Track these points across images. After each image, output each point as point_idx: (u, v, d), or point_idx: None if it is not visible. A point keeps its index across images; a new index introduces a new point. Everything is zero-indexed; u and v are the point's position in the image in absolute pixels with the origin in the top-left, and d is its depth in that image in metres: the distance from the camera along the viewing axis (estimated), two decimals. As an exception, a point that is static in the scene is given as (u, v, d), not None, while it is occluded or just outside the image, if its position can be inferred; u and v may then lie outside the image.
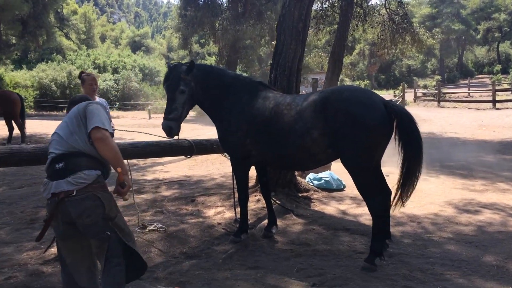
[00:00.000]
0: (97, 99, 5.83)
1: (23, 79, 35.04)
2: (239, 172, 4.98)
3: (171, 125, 4.57)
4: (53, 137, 2.96)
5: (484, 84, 41.01)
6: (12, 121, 13.14)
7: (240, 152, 4.80)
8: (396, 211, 4.43)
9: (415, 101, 30.72)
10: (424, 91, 35.41)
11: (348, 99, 4.13)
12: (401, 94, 27.44)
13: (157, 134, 5.13)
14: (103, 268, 2.82)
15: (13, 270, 4.09)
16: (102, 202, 2.80)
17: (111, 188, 2.99)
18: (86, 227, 2.75)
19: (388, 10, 16.28)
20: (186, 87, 4.62)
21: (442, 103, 27.49)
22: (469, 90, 34.99)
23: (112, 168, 2.97)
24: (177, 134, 4.69)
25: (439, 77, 50.52)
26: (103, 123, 2.83)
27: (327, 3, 16.04)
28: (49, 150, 2.91)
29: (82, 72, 5.73)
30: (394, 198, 4.34)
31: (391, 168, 8.70)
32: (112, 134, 3.10)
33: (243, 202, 5.02)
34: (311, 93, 4.59)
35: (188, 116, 4.92)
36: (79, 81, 5.57)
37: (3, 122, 13.64)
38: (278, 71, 6.60)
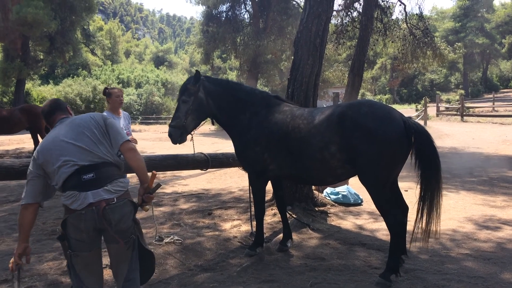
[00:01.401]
0: (121, 112, 5.94)
1: (49, 93, 36.06)
2: (257, 187, 4.99)
3: (171, 131, 4.70)
4: (68, 147, 2.82)
5: (509, 99, 40.27)
6: (38, 135, 13.51)
7: (258, 167, 4.81)
8: (411, 227, 4.38)
9: (437, 115, 30.34)
10: (447, 105, 34.94)
11: (366, 114, 4.08)
12: (423, 108, 27.14)
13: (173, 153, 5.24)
14: (125, 275, 2.89)
15: (33, 280, 4.21)
16: (135, 207, 2.92)
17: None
18: (119, 232, 2.78)
19: (409, 24, 16.19)
20: (189, 97, 4.70)
21: (465, 118, 27.08)
22: (493, 104, 34.35)
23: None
24: (180, 142, 4.75)
25: (462, 91, 49.83)
26: (127, 137, 3.02)
27: (347, 18, 16.07)
28: (65, 160, 2.78)
29: (106, 88, 5.85)
30: (416, 221, 4.23)
31: (410, 183, 8.66)
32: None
33: (259, 216, 5.03)
34: (328, 107, 4.59)
35: (208, 130, 5.03)
36: (103, 95, 5.69)
37: (30, 135, 14.02)
38: (295, 86, 6.66)
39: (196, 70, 4.87)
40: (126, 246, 2.83)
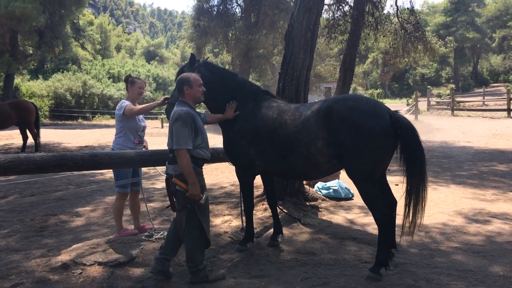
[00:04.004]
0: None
1: (39, 88, 35.55)
2: (244, 181, 4.99)
3: (166, 107, 4.96)
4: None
5: (499, 93, 40.45)
6: (27, 130, 13.37)
7: (244, 161, 4.81)
8: (401, 221, 4.40)
9: (428, 110, 30.50)
10: (438, 99, 35.13)
11: (352, 108, 4.09)
12: (414, 102, 27.25)
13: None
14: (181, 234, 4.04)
15: (20, 277, 4.15)
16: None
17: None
18: (177, 200, 4.05)
19: (400, 19, 16.17)
20: None
21: (455, 112, 27.25)
22: (483, 98, 34.58)
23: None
24: None
25: (453, 85, 50.03)
26: (179, 144, 3.91)
27: (338, 12, 16.02)
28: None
29: (130, 76, 5.70)
30: (404, 216, 4.26)
31: (401, 177, 8.67)
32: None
33: (248, 211, 5.03)
34: (314, 102, 4.57)
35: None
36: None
37: (18, 131, 13.88)
38: (287, 80, 6.62)
39: (192, 54, 5.00)
40: (183, 211, 4.00)
